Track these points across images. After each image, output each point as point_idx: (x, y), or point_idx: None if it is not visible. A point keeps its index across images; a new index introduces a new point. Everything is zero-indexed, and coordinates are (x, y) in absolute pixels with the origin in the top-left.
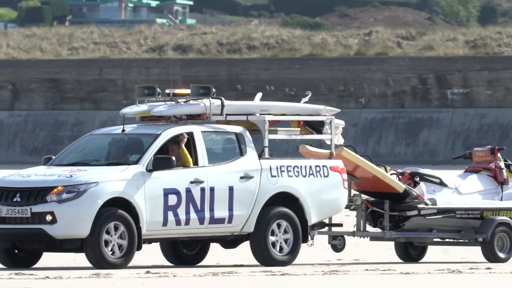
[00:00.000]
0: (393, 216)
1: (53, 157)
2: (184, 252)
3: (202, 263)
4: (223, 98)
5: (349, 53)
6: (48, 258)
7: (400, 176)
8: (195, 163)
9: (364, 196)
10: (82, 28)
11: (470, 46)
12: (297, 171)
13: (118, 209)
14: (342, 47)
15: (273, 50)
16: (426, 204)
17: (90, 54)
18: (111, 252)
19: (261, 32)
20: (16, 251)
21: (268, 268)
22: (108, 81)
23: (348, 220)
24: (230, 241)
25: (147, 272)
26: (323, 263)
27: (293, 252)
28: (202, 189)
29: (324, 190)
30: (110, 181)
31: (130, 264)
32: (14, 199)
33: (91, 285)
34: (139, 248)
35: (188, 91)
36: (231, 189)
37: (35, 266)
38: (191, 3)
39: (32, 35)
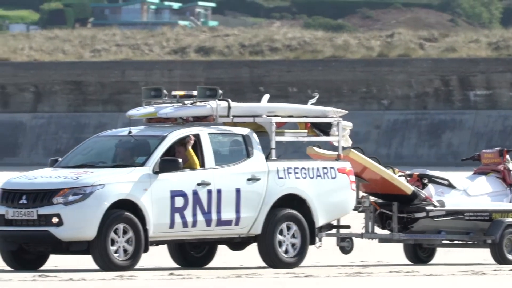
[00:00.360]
0: (401, 218)
1: (60, 159)
2: (192, 254)
3: (210, 265)
4: (230, 100)
5: (371, 54)
6: (55, 260)
7: (408, 178)
8: (202, 165)
9: (372, 198)
10: (104, 30)
11: (493, 47)
12: (305, 173)
13: (125, 211)
14: (365, 48)
15: (295, 52)
16: (435, 206)
17: (112, 56)
18: (117, 254)
19: (283, 34)
20: (22, 253)
21: (291, 270)
22: (130, 83)
23: (356, 222)
24: (237, 243)
25: (171, 274)
26: (346, 264)
27: (301, 254)
28: (209, 191)
29: (332, 192)
30: (117, 183)
31: (150, 265)
32: (20, 201)
33: (115, 286)
34: (145, 250)
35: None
36: (238, 191)
37: (55, 267)
38: (213, 5)
39: (54, 37)
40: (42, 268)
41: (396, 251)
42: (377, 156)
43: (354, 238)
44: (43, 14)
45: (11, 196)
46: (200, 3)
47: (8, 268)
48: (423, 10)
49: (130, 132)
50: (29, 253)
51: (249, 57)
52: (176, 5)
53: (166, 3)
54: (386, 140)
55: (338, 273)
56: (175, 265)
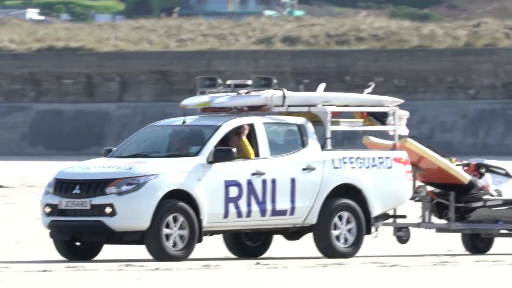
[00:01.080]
0: (458, 208)
1: (114, 148)
2: (247, 244)
3: (265, 255)
4: (285, 89)
5: (457, 44)
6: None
7: (465, 167)
8: (256, 154)
9: (429, 188)
10: (190, 20)
11: None
12: (360, 163)
13: (178, 201)
14: (451, 38)
15: (382, 41)
16: (492, 195)
17: (198, 46)
18: (171, 245)
19: (370, 23)
20: (76, 243)
21: (378, 259)
22: (216, 73)
23: (414, 211)
24: (293, 233)
25: (257, 263)
26: (432, 254)
27: (357, 244)
28: (264, 181)
29: (388, 181)
30: (170, 173)
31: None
32: (74, 191)
33: (202, 276)
34: (199, 240)
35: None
36: (293, 180)
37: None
38: None
39: (140, 27)
40: (97, 258)
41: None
42: (464, 145)
43: (410, 228)
44: (129, 3)
45: (65, 186)
46: None
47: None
48: None
49: (184, 122)
50: (83, 243)
51: (335, 47)
52: None
53: None
54: (472, 129)
55: (424, 262)
56: (231, 255)
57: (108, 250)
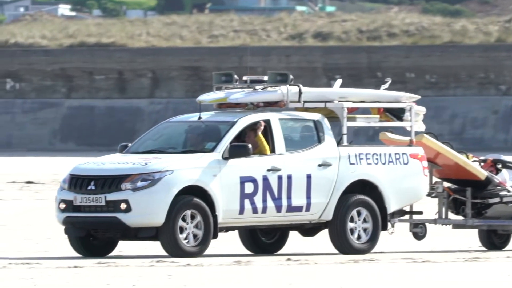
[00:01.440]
0: (475, 204)
1: (129, 144)
2: (263, 240)
3: (281, 251)
4: (301, 85)
5: (489, 40)
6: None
7: (482, 163)
8: (272, 150)
9: (445, 184)
10: (221, 16)
11: None
12: (376, 159)
13: (194, 197)
14: (482, 34)
15: (413, 37)
16: (509, 191)
17: (230, 42)
18: (186, 241)
19: (401, 19)
20: (91, 239)
21: (409, 255)
22: (248, 69)
23: (430, 207)
24: (308, 229)
25: (288, 259)
26: (464, 250)
27: (373, 240)
28: (280, 177)
29: (404, 177)
30: (186, 169)
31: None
32: (89, 187)
33: (234, 272)
34: (215, 236)
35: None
36: (309, 177)
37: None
38: None
39: (172, 23)
40: (111, 254)
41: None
42: (495, 141)
43: (427, 224)
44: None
45: (80, 182)
46: None
47: (77, 254)
48: None
49: (200, 118)
50: (98, 239)
51: (367, 43)
52: None
53: None
54: (504, 125)
55: (455, 258)
56: (247, 252)
57: (139, 246)
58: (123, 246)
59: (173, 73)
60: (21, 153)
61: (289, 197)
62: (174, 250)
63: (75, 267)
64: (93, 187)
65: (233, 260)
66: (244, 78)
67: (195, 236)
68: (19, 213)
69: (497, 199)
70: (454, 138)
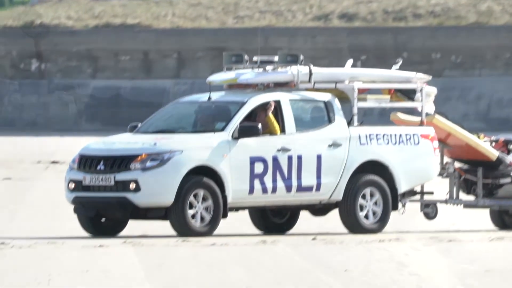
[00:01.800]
0: (486, 184)
1: (139, 124)
2: (273, 220)
3: (292, 231)
4: (311, 65)
5: None
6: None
7: (493, 144)
8: (282, 131)
9: (457, 164)
10: None
11: None
12: (387, 139)
13: (203, 177)
14: (508, 15)
15: (439, 18)
16: None
17: (255, 23)
18: (196, 220)
19: (427, 0)
20: (101, 219)
21: (434, 235)
22: (273, 50)
23: (441, 188)
24: (319, 209)
25: (314, 239)
26: (490, 229)
27: (383, 220)
28: (290, 157)
29: (415, 158)
30: (195, 149)
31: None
32: (98, 167)
33: (261, 251)
34: (224, 216)
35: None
36: (319, 157)
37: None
38: None
39: (197, 4)
40: (135, 234)
41: None
42: None
43: (438, 204)
44: None
45: (89, 162)
46: None
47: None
48: None
49: (209, 98)
50: (107, 219)
51: (393, 24)
52: None
53: None
54: None
55: (481, 237)
56: (257, 231)
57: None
58: (148, 226)
59: (199, 54)
60: (46, 133)
61: (299, 177)
62: (183, 230)
63: (101, 246)
64: (102, 167)
65: (259, 240)
66: (255, 58)
67: (204, 216)
68: (44, 193)
69: (508, 179)
70: (480, 119)
